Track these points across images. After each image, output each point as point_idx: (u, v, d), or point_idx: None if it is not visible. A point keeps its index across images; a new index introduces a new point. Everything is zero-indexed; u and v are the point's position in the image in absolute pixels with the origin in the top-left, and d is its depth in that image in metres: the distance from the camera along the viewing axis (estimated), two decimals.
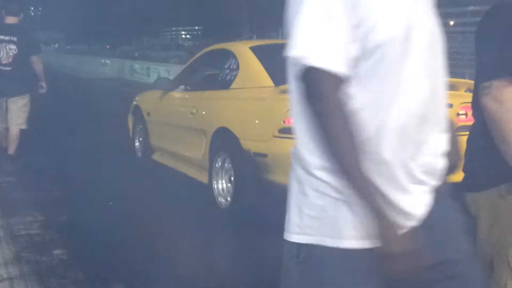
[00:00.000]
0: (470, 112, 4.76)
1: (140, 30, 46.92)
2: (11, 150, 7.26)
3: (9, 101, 7.10)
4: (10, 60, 6.93)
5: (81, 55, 40.06)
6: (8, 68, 6.94)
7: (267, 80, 4.99)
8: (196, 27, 46.04)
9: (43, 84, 7.35)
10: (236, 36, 30.63)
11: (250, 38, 27.04)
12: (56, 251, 4.27)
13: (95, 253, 4.31)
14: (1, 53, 6.92)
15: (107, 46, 47.36)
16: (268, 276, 3.97)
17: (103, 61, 33.16)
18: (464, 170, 2.25)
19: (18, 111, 7.14)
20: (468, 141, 2.33)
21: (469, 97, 4.82)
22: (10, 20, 7.01)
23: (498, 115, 2.06)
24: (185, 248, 4.56)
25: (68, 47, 50.57)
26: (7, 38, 6.91)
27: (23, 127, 7.27)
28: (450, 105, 4.71)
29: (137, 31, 46.87)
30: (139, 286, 3.75)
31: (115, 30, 48.83)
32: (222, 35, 30.05)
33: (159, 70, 22.59)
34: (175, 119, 6.25)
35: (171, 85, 6.49)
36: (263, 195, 4.79)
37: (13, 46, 6.93)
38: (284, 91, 4.67)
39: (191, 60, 6.72)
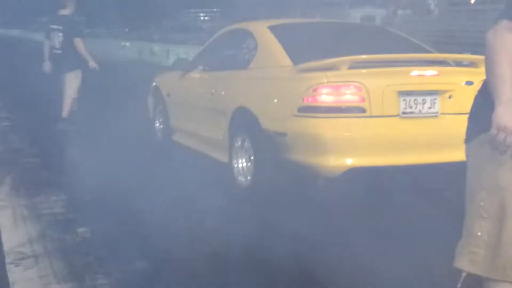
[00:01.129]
0: None
1: (158, 13, 46.91)
2: (64, 114, 8.75)
3: (64, 77, 8.65)
4: (60, 45, 8.56)
5: (101, 38, 40.18)
6: (59, 51, 8.59)
7: (285, 59, 4.98)
8: (215, 9, 45.92)
9: (90, 62, 8.63)
10: (254, 17, 30.50)
11: (268, 19, 26.83)
12: (80, 229, 4.34)
13: (118, 231, 4.37)
14: (54, 39, 8.60)
15: (126, 29, 47.47)
16: (286, 253, 4.02)
17: (122, 43, 33.24)
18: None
19: (69, 83, 8.65)
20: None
21: None
22: (62, 12, 8.63)
23: (491, 45, 2.25)
24: (206, 227, 4.60)
25: (88, 31, 50.75)
26: (56, 27, 8.57)
27: (73, 96, 8.74)
28: (471, 83, 4.70)
29: (156, 13, 46.88)
30: (161, 263, 3.78)
31: (134, 13, 48.84)
32: (241, 16, 29.96)
33: (178, 52, 22.58)
34: (195, 100, 6.27)
35: (190, 65, 6.50)
36: (282, 174, 4.80)
37: (60, 34, 8.56)
38: (303, 70, 4.67)
39: (210, 40, 6.72)
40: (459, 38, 22.53)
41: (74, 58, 8.57)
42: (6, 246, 3.95)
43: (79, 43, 8.56)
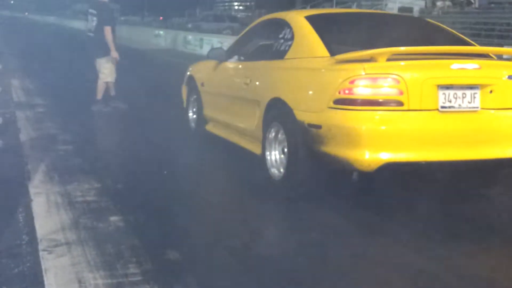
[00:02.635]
0: None
1: (193, 2, 47.00)
2: (98, 96, 9.24)
3: (96, 61, 9.21)
4: (94, 29, 9.13)
5: (134, 26, 40.42)
6: (92, 35, 9.21)
7: (322, 50, 4.89)
8: None
9: (112, 51, 9.02)
10: (289, 7, 30.37)
11: (303, 9, 26.71)
12: (112, 218, 4.35)
13: (150, 220, 4.37)
14: (90, 23, 9.24)
15: (160, 18, 47.71)
16: (317, 245, 3.98)
17: (156, 32, 33.40)
18: None
19: (100, 68, 9.13)
20: None
21: None
22: None
23: None
24: (238, 218, 4.57)
25: (122, 18, 51.15)
26: (92, 11, 9.20)
27: (108, 79, 9.19)
28: None
29: (190, 2, 46.96)
30: (191, 253, 3.77)
31: (169, 1, 49.04)
32: (275, 6, 29.84)
33: (212, 42, 22.61)
34: (229, 90, 6.22)
35: (225, 55, 6.45)
36: (316, 167, 4.73)
37: (94, 18, 9.13)
38: (340, 61, 4.58)
39: (246, 30, 6.66)
40: (499, 31, 22.10)
41: (104, 45, 9.02)
42: (39, 233, 3.97)
43: (107, 31, 8.99)
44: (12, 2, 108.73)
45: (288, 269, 3.62)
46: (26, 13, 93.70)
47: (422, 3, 29.64)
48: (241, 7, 46.87)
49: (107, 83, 9.23)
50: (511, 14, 22.36)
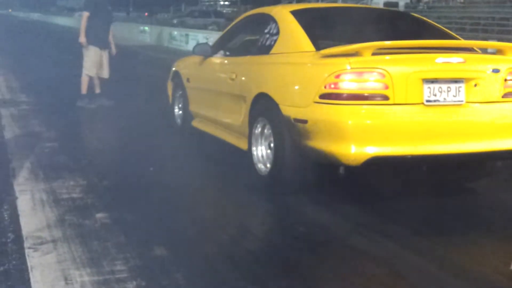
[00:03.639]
0: None
1: None
2: (83, 90, 9.26)
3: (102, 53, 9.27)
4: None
5: (120, 23, 40.21)
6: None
7: (308, 45, 4.88)
8: None
9: (80, 36, 9.13)
10: (275, 2, 30.33)
11: (290, 3, 26.69)
12: (98, 215, 4.34)
13: (137, 217, 4.36)
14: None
15: (146, 14, 47.50)
16: (304, 241, 3.99)
17: (141, 28, 33.26)
18: None
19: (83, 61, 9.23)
20: None
21: None
22: None
23: None
24: (224, 214, 4.57)
25: None
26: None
27: (89, 73, 9.20)
28: (497, 70, 4.59)
29: None
30: (179, 249, 3.77)
31: None
32: (261, 1, 29.77)
33: (198, 37, 22.56)
34: (215, 85, 6.20)
35: (211, 50, 6.43)
36: (303, 162, 4.74)
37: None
38: (325, 56, 4.58)
39: (231, 25, 6.63)
40: (484, 25, 22.24)
41: (85, 35, 9.05)
42: (24, 231, 3.96)
43: (82, 18, 9.23)
44: None
45: (275, 263, 3.63)
46: (10, 10, 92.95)
47: None
48: (226, 3, 46.77)
49: (90, 77, 9.22)
50: (496, 8, 22.50)
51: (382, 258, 3.69)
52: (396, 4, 28.03)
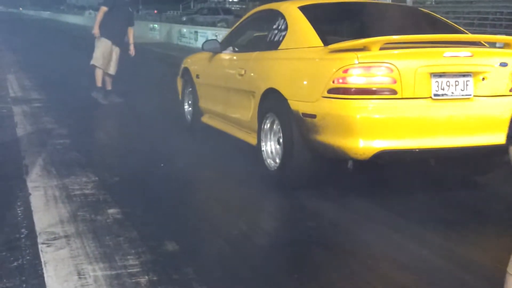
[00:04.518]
0: None
1: None
2: (98, 83, 9.47)
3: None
4: None
5: None
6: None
7: (316, 40, 4.91)
8: None
9: (94, 29, 9.40)
10: None
11: None
12: (110, 211, 4.38)
13: (148, 212, 4.40)
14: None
15: (155, 11, 47.60)
16: (313, 235, 4.02)
17: (151, 25, 33.36)
18: None
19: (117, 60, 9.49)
20: None
21: None
22: None
23: None
24: (234, 209, 4.62)
25: None
26: None
27: (95, 63, 9.41)
28: (505, 64, 4.60)
29: None
30: (190, 244, 3.81)
31: None
32: None
33: (207, 34, 22.61)
34: (224, 81, 6.25)
35: (220, 47, 6.47)
36: (312, 156, 4.77)
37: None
38: (333, 51, 4.61)
39: (240, 21, 6.67)
40: (492, 20, 22.13)
41: (100, 26, 9.30)
42: (38, 227, 4.00)
43: (99, 11, 9.48)
44: None
45: (285, 257, 3.66)
46: (21, 8, 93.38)
47: None
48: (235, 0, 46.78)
49: (104, 72, 9.37)
50: (504, 3, 22.37)
51: (392, 251, 3.73)
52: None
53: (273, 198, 4.90)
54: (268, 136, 5.20)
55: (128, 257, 3.54)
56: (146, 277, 3.27)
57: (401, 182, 5.32)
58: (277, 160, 5.06)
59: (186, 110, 7.47)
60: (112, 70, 9.45)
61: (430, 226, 4.18)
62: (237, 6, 42.22)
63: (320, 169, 4.92)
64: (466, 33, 5.37)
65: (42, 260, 3.47)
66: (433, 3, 26.79)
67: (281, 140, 4.96)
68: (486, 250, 3.82)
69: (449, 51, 4.52)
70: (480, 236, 4.06)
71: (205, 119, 6.88)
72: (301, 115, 4.67)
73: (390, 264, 3.54)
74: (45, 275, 3.28)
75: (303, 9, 5.38)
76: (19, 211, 4.32)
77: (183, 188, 5.07)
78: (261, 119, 5.26)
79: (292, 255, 3.70)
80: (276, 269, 3.49)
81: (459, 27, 5.55)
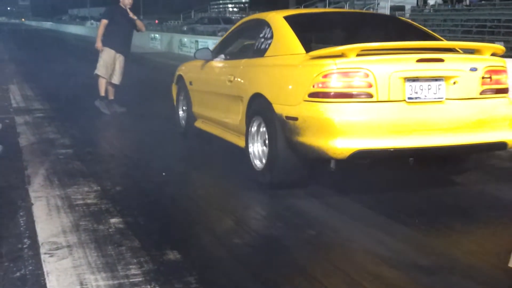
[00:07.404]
0: (494, 76, 4.95)
1: (187, 4, 47.16)
2: (101, 92, 9.70)
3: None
4: None
5: None
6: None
7: (299, 48, 5.19)
8: (243, 0, 46.06)
9: (97, 42, 9.64)
10: (284, 6, 30.66)
11: (297, 8, 26.98)
12: (112, 220, 4.41)
13: (150, 221, 4.43)
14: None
15: (156, 21, 47.87)
16: (301, 233, 4.19)
17: (152, 35, 33.64)
18: None
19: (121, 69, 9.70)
20: None
21: (493, 60, 4.99)
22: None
23: None
24: (232, 216, 4.65)
25: None
26: None
27: (98, 72, 9.66)
28: (475, 69, 4.88)
29: (185, 5, 47.12)
30: (192, 253, 3.82)
31: (164, 5, 49.26)
32: (269, 7, 30.04)
33: (207, 44, 22.87)
34: (215, 87, 6.53)
35: (211, 54, 6.76)
36: (295, 156, 5.02)
37: None
38: (314, 57, 4.91)
39: (230, 30, 6.97)
40: (490, 28, 22.35)
41: (103, 38, 9.57)
42: (40, 237, 4.02)
43: (100, 25, 9.80)
44: (8, 8, 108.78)
45: (285, 261, 3.72)
46: (23, 19, 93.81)
47: (414, 1, 29.90)
48: (235, 9, 47.07)
49: (107, 82, 9.56)
50: (502, 11, 22.61)
51: (376, 249, 3.85)
52: (402, 8, 28.22)
53: (260, 196, 5.08)
54: (255, 138, 5.48)
55: (130, 266, 3.55)
56: (149, 286, 3.30)
57: (381, 182, 5.57)
58: (263, 160, 5.34)
59: (180, 115, 7.76)
60: (116, 79, 9.59)
61: (407, 222, 4.39)
62: (237, 15, 42.56)
63: (304, 168, 5.18)
64: (441, 40, 5.65)
65: (45, 270, 3.49)
66: (431, 11, 27.05)
67: (266, 142, 5.25)
68: (464, 244, 3.98)
69: (422, 57, 4.81)
70: (455, 231, 4.24)
71: (198, 124, 7.17)
72: (284, 118, 4.95)
73: (375, 261, 3.66)
74: (47, 285, 3.30)
75: (288, 18, 5.67)
76: (21, 221, 4.34)
77: (182, 195, 5.15)
78: (248, 122, 5.54)
79: (292, 256, 3.76)
80: (276, 274, 3.51)
81: (434, 34, 5.83)
